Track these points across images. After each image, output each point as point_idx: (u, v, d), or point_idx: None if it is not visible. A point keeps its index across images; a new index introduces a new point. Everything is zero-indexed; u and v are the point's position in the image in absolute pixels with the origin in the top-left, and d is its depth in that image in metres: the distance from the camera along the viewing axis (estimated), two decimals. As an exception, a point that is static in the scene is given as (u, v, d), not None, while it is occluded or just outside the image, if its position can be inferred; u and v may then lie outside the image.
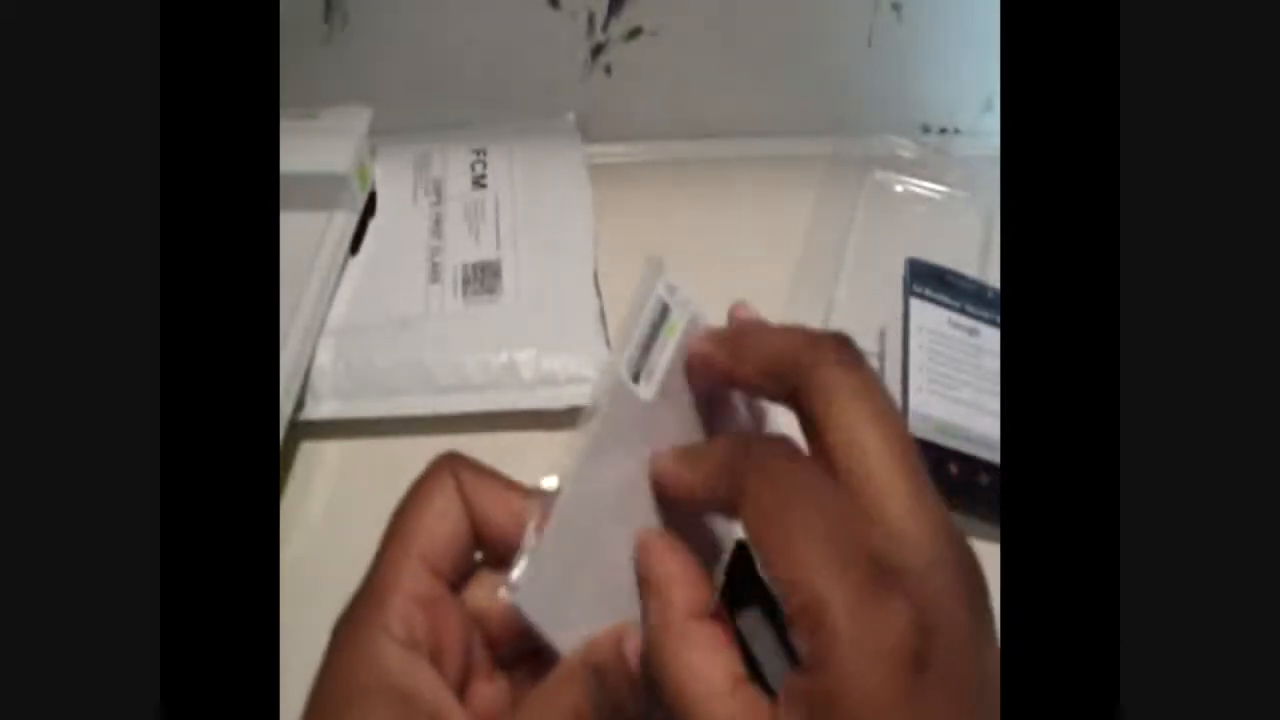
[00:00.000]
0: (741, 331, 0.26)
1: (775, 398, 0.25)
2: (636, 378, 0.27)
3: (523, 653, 0.26)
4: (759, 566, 0.23)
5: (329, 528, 0.44)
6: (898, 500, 0.22)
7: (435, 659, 0.23)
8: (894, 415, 0.23)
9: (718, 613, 0.25)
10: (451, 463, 0.26)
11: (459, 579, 0.25)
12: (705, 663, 0.22)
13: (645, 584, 0.25)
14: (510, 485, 0.26)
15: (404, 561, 0.24)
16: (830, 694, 0.20)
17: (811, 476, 0.22)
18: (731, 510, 0.23)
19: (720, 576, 0.27)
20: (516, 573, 0.23)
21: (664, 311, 0.28)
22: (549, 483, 0.25)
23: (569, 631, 0.24)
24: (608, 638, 0.24)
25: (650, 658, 0.23)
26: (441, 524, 0.25)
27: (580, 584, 0.25)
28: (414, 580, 0.24)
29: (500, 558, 0.25)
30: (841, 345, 0.24)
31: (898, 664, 0.20)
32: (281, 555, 0.28)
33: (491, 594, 0.25)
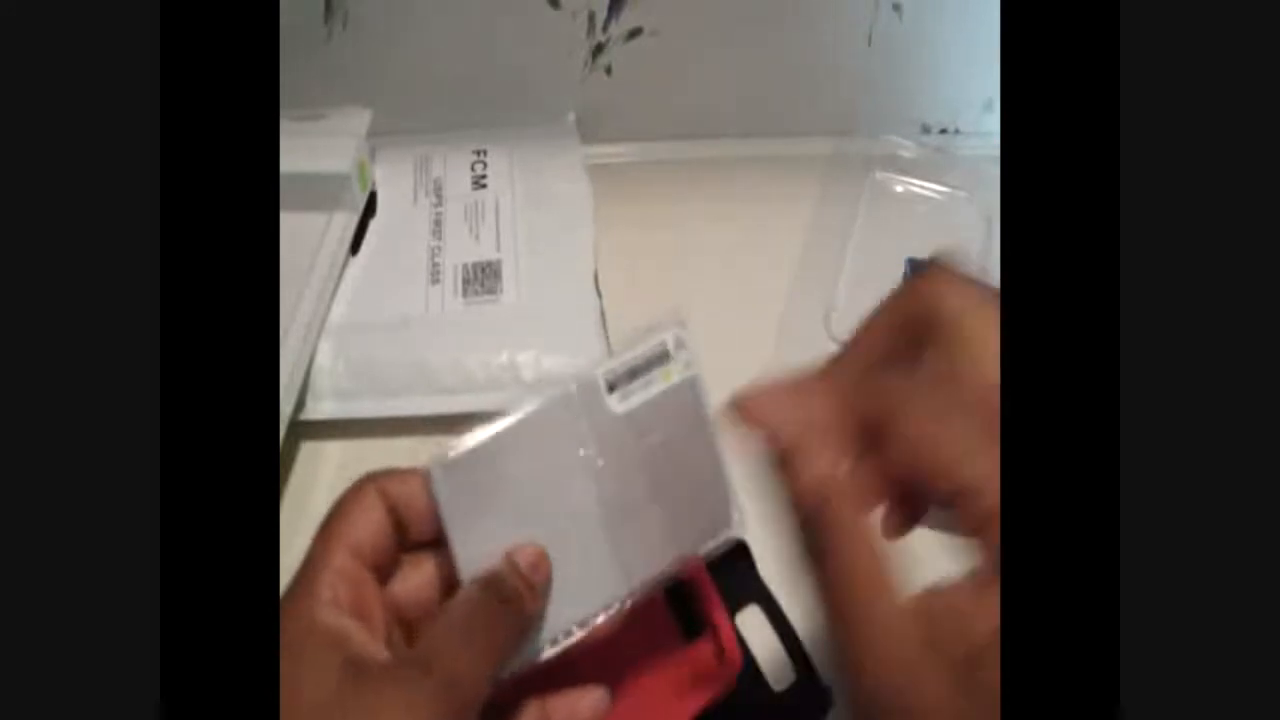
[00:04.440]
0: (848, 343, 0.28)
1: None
2: (611, 389, 0.27)
3: None
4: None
5: (329, 528, 0.44)
6: (975, 435, 0.23)
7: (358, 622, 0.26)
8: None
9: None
10: (373, 475, 0.28)
11: (383, 566, 0.28)
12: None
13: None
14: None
15: (331, 550, 0.27)
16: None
17: (960, 402, 0.24)
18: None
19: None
20: (446, 452, 0.26)
21: (663, 355, 0.28)
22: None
23: (468, 534, 0.27)
24: (506, 558, 0.27)
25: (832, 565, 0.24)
26: (365, 519, 0.27)
27: (493, 508, 0.27)
28: (340, 560, 0.27)
29: (419, 545, 0.28)
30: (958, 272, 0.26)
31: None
32: (282, 555, 0.28)
33: (408, 585, 0.28)
